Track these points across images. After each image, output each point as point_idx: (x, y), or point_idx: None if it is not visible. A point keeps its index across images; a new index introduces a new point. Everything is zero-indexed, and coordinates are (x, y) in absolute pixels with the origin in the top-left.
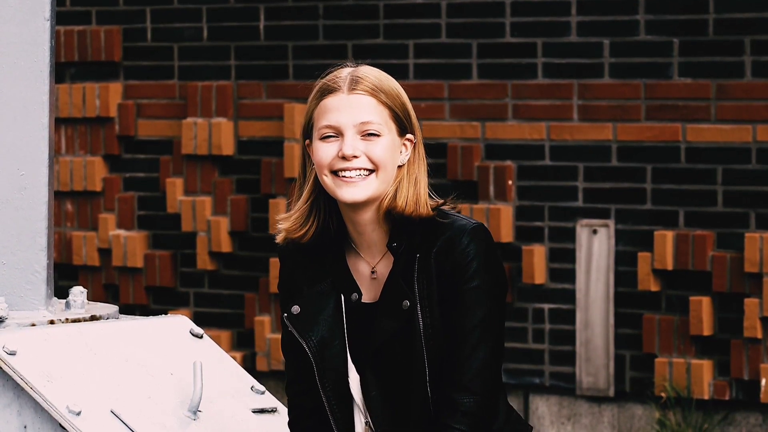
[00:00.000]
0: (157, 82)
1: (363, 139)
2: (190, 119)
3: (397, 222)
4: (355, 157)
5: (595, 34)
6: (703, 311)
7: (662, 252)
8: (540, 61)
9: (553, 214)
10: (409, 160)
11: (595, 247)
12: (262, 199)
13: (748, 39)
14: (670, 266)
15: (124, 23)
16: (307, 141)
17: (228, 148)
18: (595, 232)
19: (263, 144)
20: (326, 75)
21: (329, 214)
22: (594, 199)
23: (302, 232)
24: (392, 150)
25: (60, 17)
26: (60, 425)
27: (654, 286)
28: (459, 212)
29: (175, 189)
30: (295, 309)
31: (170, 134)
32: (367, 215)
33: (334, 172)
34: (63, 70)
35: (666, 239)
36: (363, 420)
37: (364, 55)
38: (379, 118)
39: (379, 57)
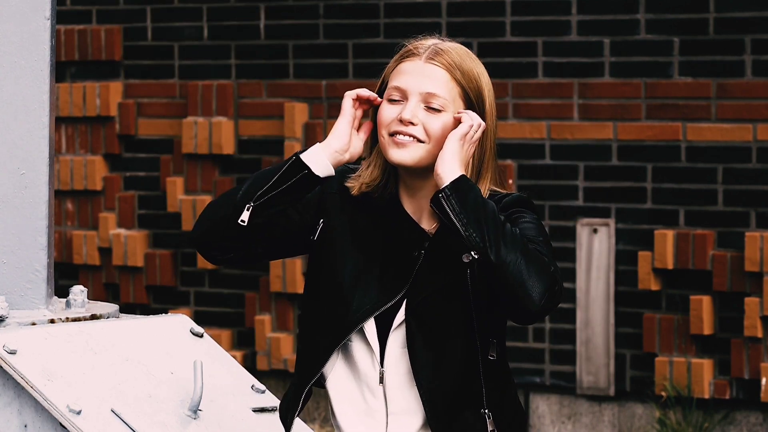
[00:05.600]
0: (157, 81)
1: (426, 110)
2: (190, 118)
3: None
4: (412, 123)
5: (596, 33)
6: (703, 310)
7: (663, 251)
8: (540, 60)
9: (553, 213)
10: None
11: (596, 246)
12: None
13: (749, 38)
14: (670, 265)
15: (125, 22)
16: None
17: (228, 147)
18: (595, 231)
19: (264, 143)
20: (414, 40)
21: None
22: (594, 198)
23: (380, 182)
24: (449, 129)
25: (60, 16)
26: (60, 424)
27: (654, 285)
28: None
29: (176, 188)
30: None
31: (171, 133)
32: (426, 185)
33: (391, 134)
34: (63, 69)
35: (666, 238)
36: (378, 368)
37: (364, 55)
38: (446, 93)
39: (379, 56)
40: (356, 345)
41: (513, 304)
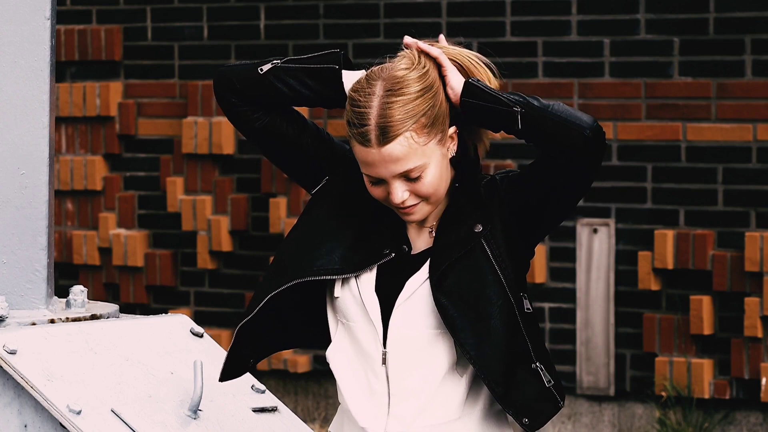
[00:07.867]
0: (157, 81)
1: (407, 181)
2: (190, 118)
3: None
4: (404, 200)
5: (596, 33)
6: (703, 310)
7: (663, 251)
8: (540, 60)
9: None
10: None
11: (596, 246)
12: (263, 198)
13: (749, 38)
14: (670, 265)
15: (125, 22)
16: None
17: (228, 147)
18: (595, 231)
19: None
20: (353, 100)
21: None
22: (594, 198)
23: None
24: (440, 171)
25: (60, 16)
26: (60, 424)
27: (654, 285)
28: None
29: (176, 188)
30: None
31: (171, 133)
32: None
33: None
34: (63, 69)
35: (666, 238)
36: (381, 349)
37: (364, 55)
38: (416, 156)
39: (379, 57)
40: (359, 325)
41: (566, 141)
